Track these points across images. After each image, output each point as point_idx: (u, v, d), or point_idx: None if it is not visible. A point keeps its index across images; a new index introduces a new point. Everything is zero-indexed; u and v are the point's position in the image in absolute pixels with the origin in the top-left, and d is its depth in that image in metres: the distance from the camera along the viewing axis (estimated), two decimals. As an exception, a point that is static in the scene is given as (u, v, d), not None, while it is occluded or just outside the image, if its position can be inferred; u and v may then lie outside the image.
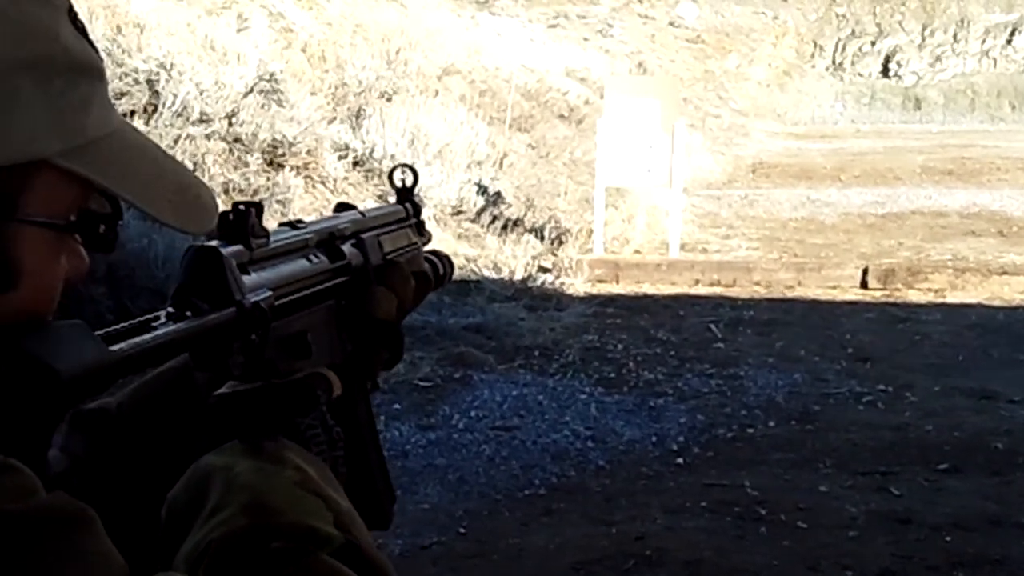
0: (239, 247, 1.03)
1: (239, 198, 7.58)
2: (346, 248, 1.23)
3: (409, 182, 1.43)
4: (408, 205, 1.43)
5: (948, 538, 5.31)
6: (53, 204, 0.85)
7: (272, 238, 1.09)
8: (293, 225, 1.18)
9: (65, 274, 0.90)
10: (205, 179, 9.90)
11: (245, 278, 1.02)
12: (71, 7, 0.89)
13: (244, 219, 1.04)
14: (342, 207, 1.33)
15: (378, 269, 1.27)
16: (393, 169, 1.45)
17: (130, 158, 0.90)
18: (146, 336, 0.91)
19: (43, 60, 0.84)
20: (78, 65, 0.87)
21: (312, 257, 1.17)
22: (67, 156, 0.84)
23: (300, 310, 1.13)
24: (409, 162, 8.28)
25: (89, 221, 0.89)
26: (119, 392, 1.17)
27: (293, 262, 1.13)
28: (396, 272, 1.28)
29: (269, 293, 1.05)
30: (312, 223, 1.22)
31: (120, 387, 1.21)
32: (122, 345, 0.88)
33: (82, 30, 0.90)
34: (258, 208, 1.06)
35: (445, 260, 1.51)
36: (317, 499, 0.94)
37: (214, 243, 1.02)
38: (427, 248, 1.48)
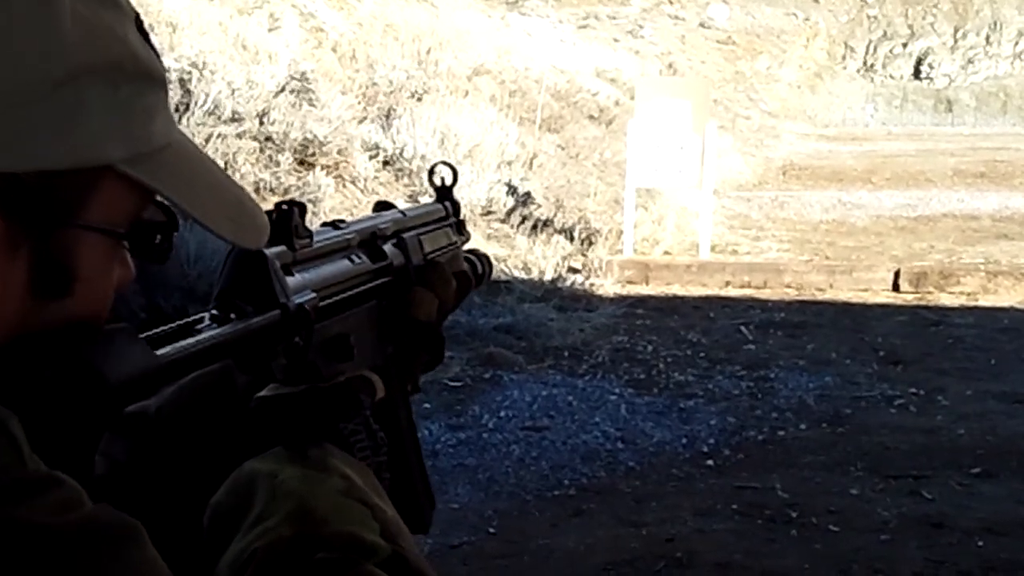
0: (282, 248, 1.02)
1: (270, 197, 7.61)
2: (387, 248, 1.21)
3: (448, 181, 1.40)
4: (447, 204, 1.41)
5: (980, 543, 5.27)
6: (113, 211, 0.85)
7: (315, 238, 1.08)
8: (335, 225, 1.16)
9: (116, 284, 0.89)
10: (236, 178, 9.94)
11: (289, 279, 1.01)
12: (137, 15, 0.89)
13: (287, 219, 1.02)
14: (381, 206, 1.31)
15: (419, 270, 1.25)
16: (433, 167, 1.42)
17: (190, 169, 0.90)
18: (191, 340, 0.90)
19: (112, 66, 0.83)
20: (144, 73, 0.86)
21: (354, 257, 1.15)
22: (131, 164, 0.83)
23: (342, 312, 1.12)
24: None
25: (146, 230, 0.89)
26: (158, 395, 1.17)
27: (336, 263, 1.12)
28: (437, 273, 1.26)
29: (313, 295, 1.03)
30: (353, 223, 1.20)
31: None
32: (167, 349, 0.87)
33: (147, 38, 0.89)
34: (301, 208, 1.04)
35: (484, 259, 1.49)
36: (363, 508, 0.93)
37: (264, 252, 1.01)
38: (465, 247, 1.46)
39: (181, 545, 1.09)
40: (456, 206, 1.42)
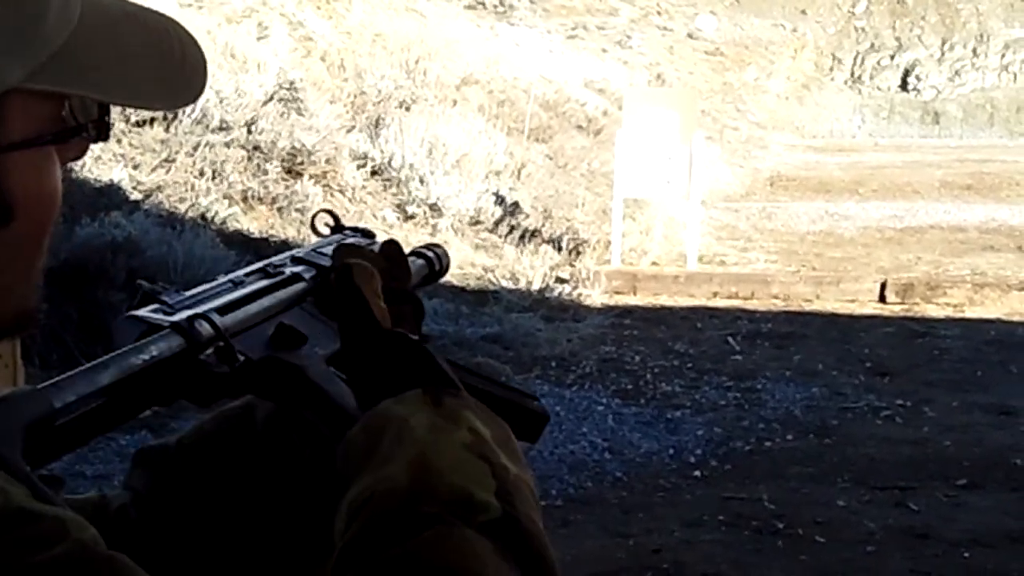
0: (155, 305, 1.01)
1: (258, 205, 7.55)
2: (286, 269, 1.20)
3: (332, 223, 1.37)
4: (345, 232, 1.35)
5: (967, 554, 5.28)
6: (32, 123, 0.83)
7: (189, 292, 1.07)
8: (210, 281, 1.15)
9: (67, 161, 0.88)
10: (224, 187, 9.95)
11: (173, 316, 1.00)
12: None
13: (140, 289, 1.03)
14: None
15: (332, 263, 1.20)
16: (313, 218, 1.38)
17: (101, 50, 0.85)
18: (75, 370, 0.89)
19: None
20: None
21: (247, 283, 1.14)
22: (34, 77, 0.80)
23: (266, 315, 1.10)
24: (426, 172, 8.20)
25: (78, 124, 0.86)
26: (183, 430, 1.17)
27: (230, 294, 1.10)
28: (344, 250, 1.19)
29: (206, 308, 1.03)
30: (234, 272, 1.18)
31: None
32: (48, 384, 0.86)
33: None
34: (150, 280, 1.05)
35: (437, 249, 1.45)
36: (484, 464, 0.89)
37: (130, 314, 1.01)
38: (420, 245, 1.44)
39: (199, 569, 1.10)
40: (357, 229, 1.38)
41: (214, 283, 1.12)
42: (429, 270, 1.40)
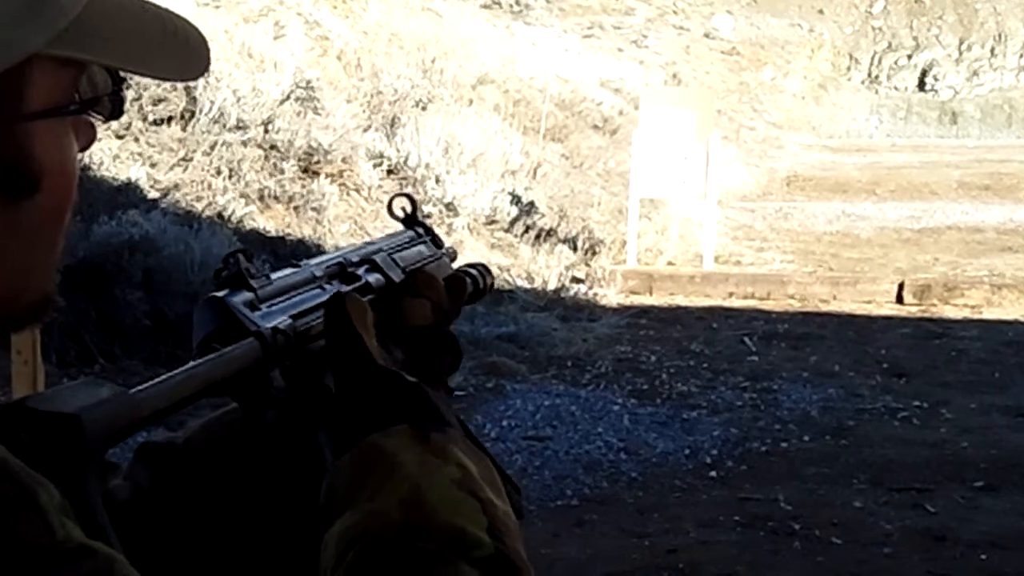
0: (241, 291, 1.04)
1: (275, 204, 7.57)
2: (361, 272, 1.22)
3: (409, 209, 1.39)
4: (417, 228, 1.40)
5: (984, 556, 5.26)
6: (54, 92, 0.83)
7: (275, 276, 1.10)
8: (294, 265, 1.17)
9: (79, 148, 0.88)
10: (240, 185, 9.97)
11: (257, 314, 1.03)
12: None
13: (236, 265, 1.04)
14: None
15: (402, 282, 1.24)
16: (391, 200, 1.40)
17: (113, 23, 0.86)
18: (164, 377, 0.90)
19: None
20: None
21: (326, 287, 1.16)
22: (54, 44, 0.81)
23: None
24: (442, 172, 8.23)
25: (94, 96, 0.88)
26: (188, 427, 1.17)
27: (307, 294, 1.12)
28: (420, 278, 1.23)
29: (288, 319, 1.05)
30: (314, 260, 1.20)
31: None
32: (139, 388, 0.87)
33: None
34: (246, 253, 1.06)
35: (482, 268, 1.47)
36: (474, 501, 0.91)
37: (218, 294, 1.03)
38: (464, 263, 1.45)
39: (200, 569, 1.10)
40: (426, 227, 1.40)
41: (295, 272, 1.14)
42: (473, 288, 1.41)
